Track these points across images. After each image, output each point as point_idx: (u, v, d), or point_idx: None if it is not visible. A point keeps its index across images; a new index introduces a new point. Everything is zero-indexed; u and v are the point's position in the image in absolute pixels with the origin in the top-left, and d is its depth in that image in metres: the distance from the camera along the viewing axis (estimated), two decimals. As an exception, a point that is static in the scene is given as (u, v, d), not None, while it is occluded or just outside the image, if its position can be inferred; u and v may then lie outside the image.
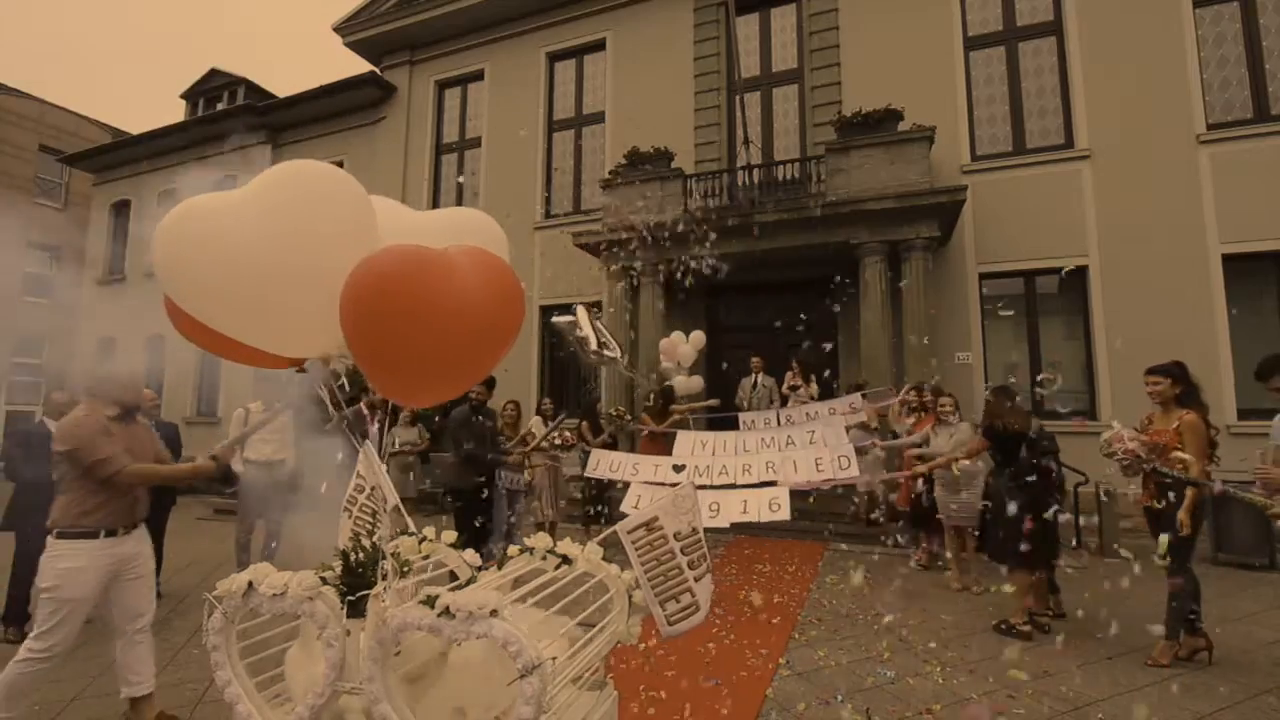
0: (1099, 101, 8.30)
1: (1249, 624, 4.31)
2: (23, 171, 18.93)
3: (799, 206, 8.21)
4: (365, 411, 5.61)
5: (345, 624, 1.58)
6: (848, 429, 5.24)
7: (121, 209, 16.70)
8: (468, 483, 4.78)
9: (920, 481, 5.48)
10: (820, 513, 6.61)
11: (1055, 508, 4.02)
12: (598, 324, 4.58)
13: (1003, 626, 4.12)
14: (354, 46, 13.35)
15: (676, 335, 7.86)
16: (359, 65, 13.63)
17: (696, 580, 1.89)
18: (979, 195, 8.48)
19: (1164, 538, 3.44)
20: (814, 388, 7.41)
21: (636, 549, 1.85)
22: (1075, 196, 8.25)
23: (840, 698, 3.19)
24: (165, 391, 11.00)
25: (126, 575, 2.81)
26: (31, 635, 2.63)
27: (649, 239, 8.02)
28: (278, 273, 1.54)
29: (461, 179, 12.29)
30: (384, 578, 1.59)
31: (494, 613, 1.37)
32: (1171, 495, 3.56)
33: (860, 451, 4.84)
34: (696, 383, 7.82)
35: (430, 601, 1.42)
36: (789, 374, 7.79)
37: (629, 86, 11.08)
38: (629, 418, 7.23)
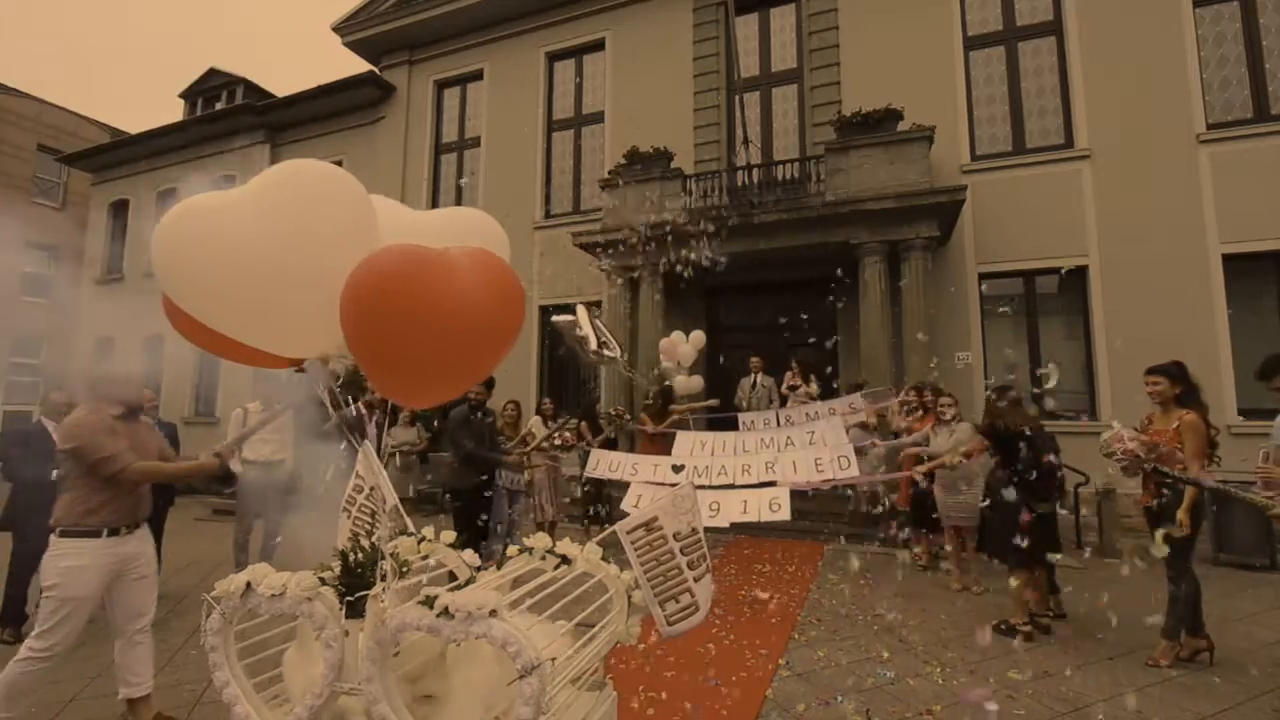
0: (1099, 101, 8.30)
1: (1250, 624, 4.31)
2: (21, 171, 18.92)
3: (799, 206, 8.21)
4: (363, 411, 5.61)
5: (344, 624, 1.57)
6: (847, 429, 5.24)
7: (120, 209, 16.68)
8: (467, 483, 4.78)
9: (925, 479, 5.47)
10: (821, 512, 6.61)
11: (1056, 501, 4.03)
12: (598, 323, 4.56)
13: (1003, 626, 4.11)
14: (353, 46, 13.34)
15: (677, 335, 7.86)
16: (358, 65, 13.62)
17: (696, 580, 1.89)
18: (979, 195, 8.48)
19: (1160, 532, 3.44)
20: (814, 387, 7.41)
21: (636, 549, 1.85)
22: (1075, 196, 8.25)
23: (840, 698, 3.18)
24: (163, 392, 10.98)
25: (129, 575, 2.81)
26: (33, 634, 2.62)
27: (648, 238, 8.02)
28: (277, 272, 1.53)
29: (464, 180, 12.27)
30: (383, 578, 1.59)
31: (493, 613, 1.37)
32: (1166, 492, 3.55)
33: (860, 451, 4.83)
34: (697, 382, 7.82)
35: (429, 602, 1.42)
36: (788, 374, 7.79)
37: (628, 86, 11.08)
38: (628, 417, 7.22)
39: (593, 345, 4.44)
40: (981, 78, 9.04)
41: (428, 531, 1.98)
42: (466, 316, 1.50)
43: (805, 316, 7.51)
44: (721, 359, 8.23)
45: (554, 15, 11.74)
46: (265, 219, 1.53)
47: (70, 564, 2.62)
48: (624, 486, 4.68)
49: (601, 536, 2.13)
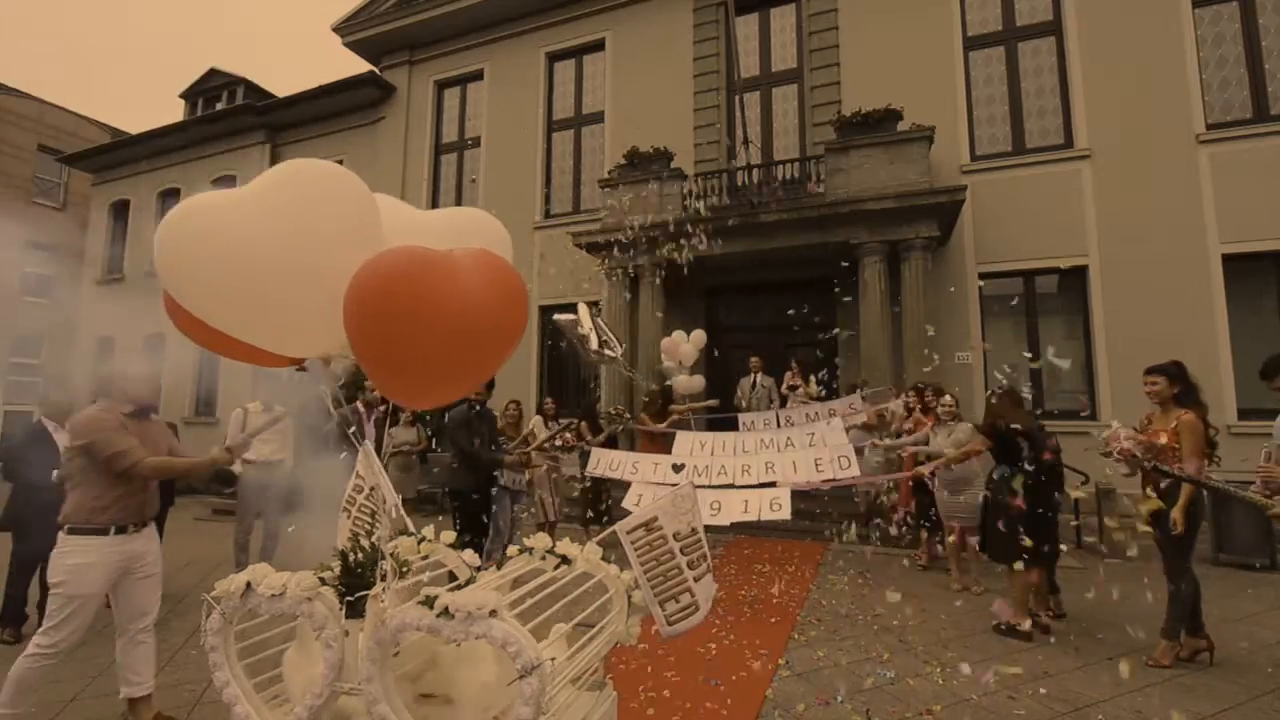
0: (1099, 101, 8.30)
1: (1250, 624, 4.31)
2: (21, 171, 18.92)
3: (799, 206, 8.21)
4: (360, 409, 5.61)
5: (344, 624, 1.57)
6: (848, 429, 5.24)
7: (120, 209, 16.68)
8: (467, 483, 4.78)
9: (930, 479, 5.47)
10: (824, 513, 6.60)
11: (1057, 496, 4.03)
12: (599, 322, 4.57)
13: (1003, 627, 4.11)
14: (353, 46, 13.34)
15: (678, 334, 7.86)
16: (358, 65, 13.62)
17: (696, 580, 1.89)
18: (978, 195, 8.48)
19: (1144, 507, 3.45)
20: (813, 387, 7.41)
21: (636, 549, 1.85)
22: (1075, 196, 8.25)
23: (840, 698, 3.18)
24: (163, 391, 10.99)
25: (135, 573, 2.82)
26: (40, 630, 2.64)
27: (648, 238, 8.02)
28: (280, 271, 1.53)
29: (474, 179, 12.25)
30: (383, 578, 1.59)
31: (493, 613, 1.37)
32: (1160, 486, 3.56)
33: (860, 452, 4.84)
34: (698, 382, 7.83)
35: (429, 602, 1.42)
36: (788, 374, 7.79)
37: (629, 86, 11.08)
38: (628, 417, 7.23)
39: (594, 344, 4.45)
40: (981, 78, 9.05)
41: (428, 531, 1.98)
42: (470, 318, 1.51)
43: (808, 309, 7.53)
44: (715, 351, 8.21)
45: (554, 15, 11.75)
46: (269, 218, 1.53)
47: (77, 561, 2.63)
48: (625, 486, 4.69)
49: (601, 536, 2.13)
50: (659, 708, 3.06)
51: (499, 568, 1.89)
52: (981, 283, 8.47)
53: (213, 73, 16.32)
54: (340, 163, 1.70)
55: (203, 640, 1.62)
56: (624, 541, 1.85)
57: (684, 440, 5.05)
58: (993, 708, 3.09)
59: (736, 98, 9.24)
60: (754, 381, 8.05)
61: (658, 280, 8.93)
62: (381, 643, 1.44)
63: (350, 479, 2.23)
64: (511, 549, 1.99)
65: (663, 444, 6.05)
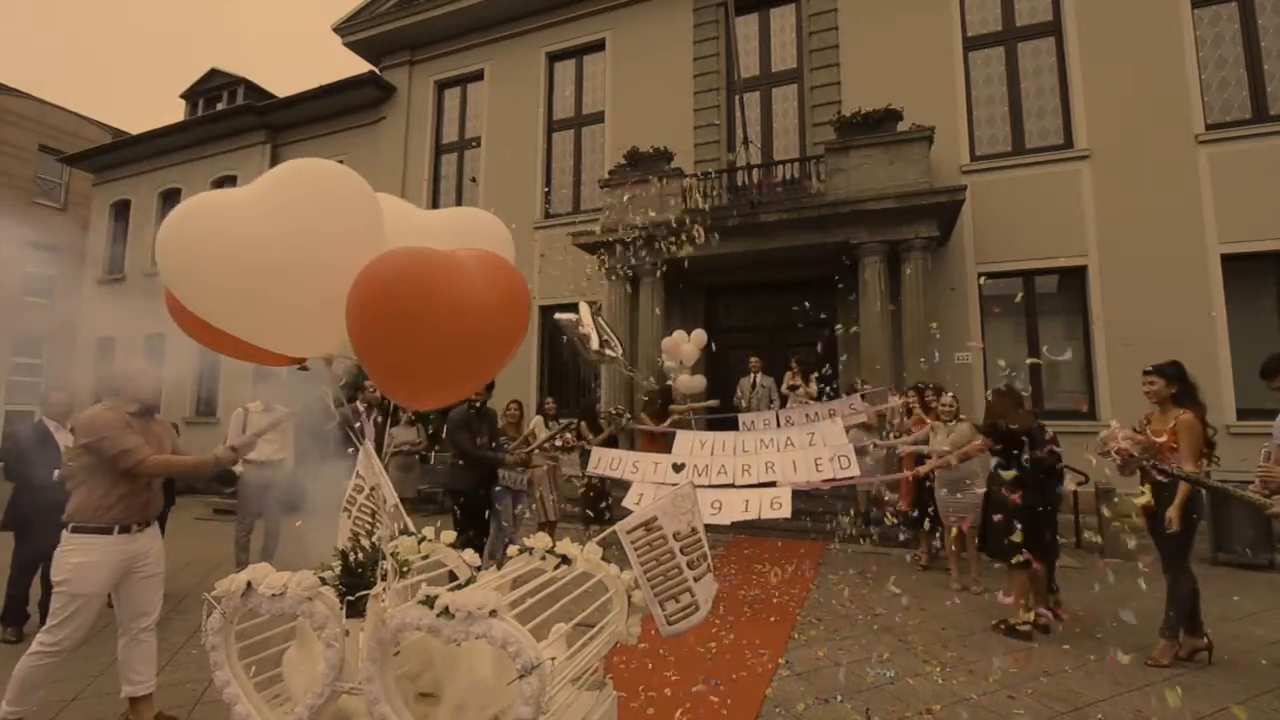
0: (1098, 101, 8.30)
1: (1249, 624, 4.31)
2: (22, 171, 18.92)
3: (799, 206, 8.21)
4: (360, 409, 5.62)
5: (344, 624, 1.58)
6: (847, 429, 5.25)
7: (121, 209, 16.70)
8: (467, 483, 4.78)
9: (930, 479, 5.47)
10: (825, 512, 6.61)
11: (1058, 491, 4.04)
12: (600, 321, 4.58)
13: (1003, 626, 4.12)
14: (354, 46, 13.35)
15: (679, 334, 7.86)
16: (359, 65, 13.63)
17: (696, 580, 1.89)
18: (978, 195, 8.49)
19: (1137, 501, 3.45)
20: (813, 387, 7.41)
21: (636, 549, 1.85)
22: (1074, 196, 8.25)
23: (840, 698, 3.19)
24: (164, 391, 11.00)
25: (138, 572, 2.82)
26: (43, 629, 2.65)
27: (648, 237, 8.02)
28: (282, 271, 1.54)
29: (474, 179, 12.25)
30: (383, 578, 1.59)
31: (493, 613, 1.37)
32: (1153, 485, 3.56)
33: (860, 452, 4.84)
34: (699, 382, 7.83)
35: (429, 601, 1.42)
36: (788, 374, 7.80)
37: (629, 86, 11.08)
38: (628, 416, 7.23)
39: (594, 344, 4.46)
40: (981, 78, 9.05)
41: (428, 531, 1.98)
42: (473, 319, 1.51)
43: (808, 308, 7.52)
44: (713, 346, 8.22)
45: (554, 15, 11.75)
46: (271, 217, 1.53)
47: (81, 560, 2.64)
48: (625, 485, 4.69)
49: (601, 536, 2.14)
50: (659, 708, 3.07)
51: (499, 568, 1.90)
52: (981, 281, 8.48)
53: (213, 73, 16.34)
54: (341, 163, 1.70)
55: (203, 639, 1.63)
56: (624, 541, 1.86)
57: (684, 440, 5.05)
58: (992, 707, 3.10)
59: (736, 98, 9.24)
60: (754, 381, 8.05)
61: (658, 280, 8.93)
62: (382, 642, 1.45)
63: (350, 479, 2.23)
64: (511, 549, 1.99)
65: (663, 444, 6.06)
